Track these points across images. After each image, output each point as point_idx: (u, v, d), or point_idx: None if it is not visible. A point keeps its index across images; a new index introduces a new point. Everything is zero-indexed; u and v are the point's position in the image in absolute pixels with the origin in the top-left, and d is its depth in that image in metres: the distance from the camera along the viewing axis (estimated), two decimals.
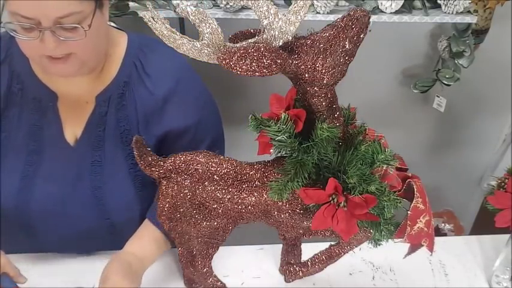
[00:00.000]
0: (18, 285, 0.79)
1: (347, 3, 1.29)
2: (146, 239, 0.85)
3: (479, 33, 1.46)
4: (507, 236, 0.93)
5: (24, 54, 0.80)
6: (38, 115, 0.86)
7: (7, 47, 0.86)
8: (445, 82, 1.47)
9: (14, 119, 0.86)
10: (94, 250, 0.98)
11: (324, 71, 0.61)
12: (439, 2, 1.31)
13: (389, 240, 0.75)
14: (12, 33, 0.73)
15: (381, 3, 1.27)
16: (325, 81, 0.62)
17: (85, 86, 0.86)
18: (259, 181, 0.73)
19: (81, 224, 0.90)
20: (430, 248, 0.77)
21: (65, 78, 0.84)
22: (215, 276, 0.89)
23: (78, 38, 0.73)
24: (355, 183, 0.66)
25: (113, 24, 1.20)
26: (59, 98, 0.87)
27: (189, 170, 0.72)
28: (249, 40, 0.61)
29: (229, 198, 0.73)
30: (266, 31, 0.60)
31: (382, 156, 0.67)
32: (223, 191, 0.73)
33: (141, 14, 0.62)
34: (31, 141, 0.86)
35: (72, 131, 0.88)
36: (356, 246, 0.86)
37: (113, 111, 0.87)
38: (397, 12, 1.28)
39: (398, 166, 0.74)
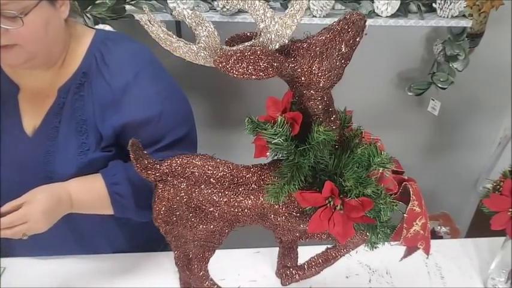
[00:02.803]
0: None
1: (343, 7, 1.30)
2: (89, 187, 0.85)
3: (474, 37, 1.47)
4: (503, 238, 0.94)
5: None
6: None
7: None
8: (440, 85, 1.48)
9: None
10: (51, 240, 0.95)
11: (320, 74, 0.61)
12: (434, 6, 1.32)
13: (386, 243, 0.75)
14: None
15: (377, 7, 1.27)
16: (321, 85, 0.62)
17: (47, 79, 0.88)
18: (255, 184, 0.73)
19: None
20: (426, 251, 0.77)
21: (28, 72, 0.86)
22: (211, 279, 0.88)
23: (17, 27, 0.74)
24: (351, 186, 0.66)
25: (108, 27, 1.20)
26: (20, 91, 0.88)
27: (186, 173, 0.72)
28: (246, 43, 0.61)
29: (226, 201, 0.73)
30: (262, 34, 0.60)
31: (378, 159, 0.67)
32: (220, 194, 0.73)
33: (137, 17, 0.62)
34: None
35: (32, 122, 0.89)
36: (352, 249, 0.86)
37: (69, 102, 0.87)
38: (392, 15, 1.29)
39: (395, 169, 0.74)
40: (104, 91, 0.87)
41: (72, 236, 0.97)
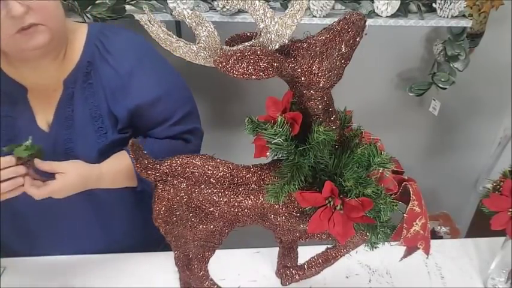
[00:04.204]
0: None
1: (343, 7, 1.30)
2: (117, 163, 0.91)
3: (474, 37, 1.47)
4: (503, 238, 0.94)
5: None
6: (9, 107, 0.90)
7: None
8: (441, 85, 1.47)
9: None
10: (76, 230, 1.01)
11: (320, 74, 0.61)
12: (434, 6, 1.32)
13: (386, 243, 0.75)
14: None
15: (377, 7, 1.27)
16: (321, 85, 0.62)
17: (51, 75, 0.90)
18: (255, 184, 0.73)
19: (66, 205, 0.93)
20: (426, 251, 0.77)
21: (32, 70, 0.89)
22: (211, 279, 0.88)
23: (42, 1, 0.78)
24: (351, 186, 0.66)
25: None
26: (28, 91, 0.91)
27: (186, 173, 0.72)
28: (246, 43, 0.61)
29: (226, 201, 0.73)
30: (262, 34, 0.60)
31: (378, 159, 0.67)
32: (220, 194, 0.73)
33: (137, 17, 0.62)
34: (7, 131, 0.90)
35: (44, 117, 0.92)
36: (352, 249, 0.86)
37: (79, 91, 0.92)
38: (392, 15, 1.29)
39: (395, 169, 0.74)
40: (112, 77, 0.92)
41: (95, 219, 1.01)
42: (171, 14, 1.23)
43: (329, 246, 0.89)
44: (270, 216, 0.75)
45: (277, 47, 0.61)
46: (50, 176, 0.82)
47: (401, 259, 0.80)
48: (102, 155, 0.92)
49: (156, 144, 0.96)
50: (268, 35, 0.60)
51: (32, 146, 0.80)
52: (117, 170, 0.91)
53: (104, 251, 1.03)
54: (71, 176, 0.83)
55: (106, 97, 0.92)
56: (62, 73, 0.91)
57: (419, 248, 0.77)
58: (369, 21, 1.27)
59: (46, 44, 0.82)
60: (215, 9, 1.26)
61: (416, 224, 0.73)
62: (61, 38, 0.87)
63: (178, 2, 1.21)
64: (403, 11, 1.29)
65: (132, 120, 0.95)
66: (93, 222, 1.01)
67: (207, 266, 0.85)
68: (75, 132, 0.92)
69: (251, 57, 0.57)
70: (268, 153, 0.69)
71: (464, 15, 1.33)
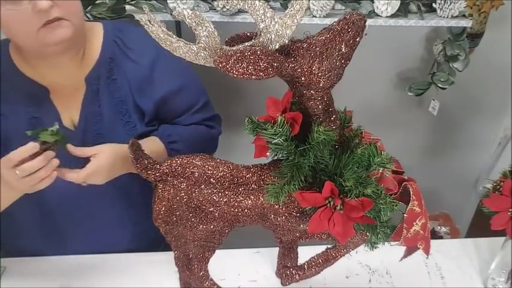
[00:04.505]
0: None
1: (343, 7, 1.30)
2: (150, 148, 0.90)
3: (474, 37, 1.47)
4: (503, 238, 0.94)
5: (8, 58, 0.88)
6: (34, 108, 0.91)
7: None
8: (440, 85, 1.47)
9: (11, 115, 0.91)
10: (107, 222, 1.03)
11: (320, 74, 0.61)
12: (434, 6, 1.32)
13: (386, 243, 0.75)
14: (8, 11, 0.76)
15: (377, 7, 1.27)
16: (321, 85, 0.62)
17: (71, 73, 0.92)
18: (255, 184, 0.73)
19: (97, 200, 0.97)
20: (426, 251, 0.77)
21: (52, 71, 0.90)
22: (211, 279, 0.88)
23: None
24: (351, 186, 0.66)
25: None
26: (50, 91, 0.92)
27: (186, 173, 0.72)
28: (246, 43, 0.61)
29: (226, 201, 0.73)
30: (262, 34, 0.60)
31: (378, 159, 0.67)
32: (220, 194, 0.73)
33: (137, 17, 0.63)
34: None
35: (68, 115, 0.94)
36: (352, 249, 0.86)
37: (104, 86, 0.94)
38: (392, 16, 1.29)
39: (395, 169, 0.74)
40: (135, 71, 0.95)
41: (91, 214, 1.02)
42: (171, 14, 1.23)
43: (329, 246, 0.89)
44: (270, 216, 0.75)
45: (277, 47, 0.61)
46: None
47: (402, 259, 0.80)
48: None
49: (184, 129, 1.02)
50: (268, 35, 0.60)
51: (57, 131, 0.80)
52: (149, 151, 0.91)
53: (133, 248, 1.04)
54: (104, 156, 0.85)
55: (132, 92, 0.95)
56: (82, 71, 0.93)
57: (419, 248, 0.77)
58: (369, 21, 1.27)
59: (69, 38, 0.82)
60: (215, 9, 1.26)
61: (416, 224, 0.73)
62: (81, 35, 0.89)
63: (178, 2, 1.21)
64: (403, 11, 1.29)
65: (158, 112, 0.98)
66: (124, 219, 1.03)
67: (207, 266, 0.85)
68: (104, 127, 0.94)
69: (251, 57, 0.57)
70: (268, 153, 0.69)
71: (464, 15, 1.33)
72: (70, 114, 0.94)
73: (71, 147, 0.83)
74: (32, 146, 0.76)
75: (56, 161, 0.79)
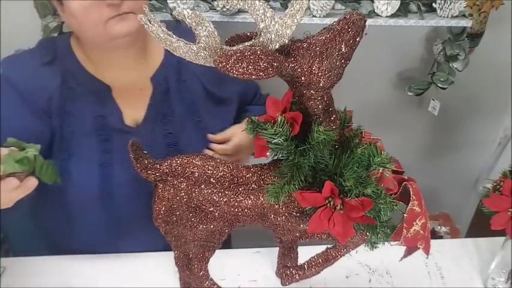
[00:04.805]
0: None
1: (343, 7, 1.30)
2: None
3: (474, 36, 1.47)
4: (503, 238, 0.94)
5: (70, 54, 0.90)
6: (99, 106, 0.93)
7: (53, 49, 0.93)
8: (440, 85, 1.47)
9: (77, 113, 0.92)
10: None
11: (320, 74, 0.61)
12: (434, 6, 1.32)
13: (386, 243, 0.75)
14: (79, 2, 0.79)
15: (377, 7, 1.27)
16: (321, 84, 0.62)
17: (134, 72, 0.94)
18: (255, 184, 0.73)
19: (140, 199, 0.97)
20: (426, 251, 0.77)
21: (115, 69, 0.92)
22: (211, 279, 0.88)
23: None
24: (351, 186, 0.66)
25: None
26: (112, 89, 0.93)
27: (186, 173, 0.72)
28: (246, 43, 0.61)
29: (226, 201, 0.73)
30: (262, 34, 0.60)
31: (378, 159, 0.67)
32: (220, 194, 0.73)
33: (137, 16, 0.62)
34: (99, 130, 0.93)
35: (131, 115, 0.95)
36: (352, 249, 0.86)
37: (174, 87, 0.97)
38: (392, 15, 1.29)
39: (395, 169, 0.74)
40: (205, 69, 0.97)
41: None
42: (171, 14, 1.23)
43: (329, 246, 0.89)
44: (270, 216, 0.75)
45: (277, 46, 0.61)
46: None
47: (401, 259, 0.80)
48: (204, 147, 0.98)
49: (259, 109, 1.08)
50: (268, 34, 0.60)
51: (35, 158, 0.64)
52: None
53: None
54: (242, 134, 0.92)
55: (206, 91, 0.99)
56: (146, 71, 0.94)
57: (419, 248, 0.77)
58: (369, 21, 1.27)
59: (135, 31, 0.84)
60: (215, 9, 1.26)
61: (416, 223, 0.73)
62: (145, 32, 0.90)
63: (178, 1, 1.21)
64: (403, 10, 1.29)
65: (241, 97, 1.07)
66: None
67: (207, 266, 0.85)
68: (175, 127, 0.97)
69: (251, 57, 0.57)
70: (268, 153, 0.69)
71: (464, 15, 1.33)
72: (133, 113, 0.95)
73: (210, 136, 0.93)
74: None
75: (31, 184, 0.67)
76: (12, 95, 0.87)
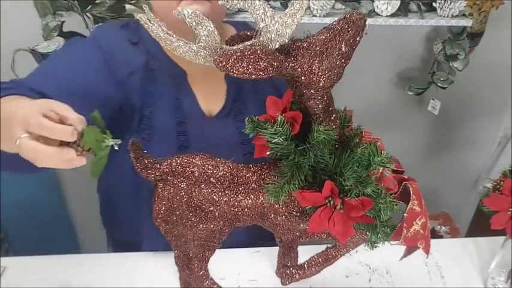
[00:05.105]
0: None
1: (343, 6, 1.30)
2: None
3: (474, 36, 1.47)
4: (503, 238, 0.94)
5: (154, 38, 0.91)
6: (176, 89, 0.95)
7: (139, 31, 0.96)
8: (440, 85, 1.47)
9: (157, 94, 0.94)
10: None
11: (320, 73, 0.61)
12: (434, 5, 1.32)
13: (386, 242, 0.75)
14: None
15: (377, 7, 1.27)
16: (321, 84, 0.62)
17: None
18: (255, 183, 0.73)
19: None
20: (426, 250, 0.77)
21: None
22: (211, 279, 0.88)
23: None
24: (351, 185, 0.66)
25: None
26: (187, 75, 0.96)
27: (186, 173, 0.72)
28: (246, 43, 0.61)
29: (226, 200, 0.73)
30: (262, 34, 0.60)
31: (378, 158, 0.67)
32: (220, 193, 0.73)
33: (137, 16, 0.62)
34: (176, 113, 0.95)
35: (206, 105, 0.98)
36: (352, 249, 0.86)
37: (248, 87, 1.00)
38: (393, 15, 1.29)
39: (395, 168, 0.74)
40: None
41: None
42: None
43: (329, 245, 0.89)
44: (270, 215, 0.75)
45: (277, 46, 0.61)
46: None
47: (401, 258, 0.80)
48: None
49: None
50: (269, 34, 0.60)
51: (108, 147, 0.59)
52: None
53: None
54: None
55: (280, 93, 1.01)
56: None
57: (419, 248, 0.77)
58: (369, 21, 1.27)
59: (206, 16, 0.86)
60: None
61: (416, 223, 0.73)
62: (218, 22, 0.91)
63: None
64: (403, 10, 1.29)
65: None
66: None
67: (207, 266, 0.85)
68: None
69: (251, 56, 0.57)
70: (268, 153, 0.69)
71: (464, 15, 1.33)
72: (208, 103, 0.97)
73: None
74: (67, 131, 0.57)
75: (71, 156, 0.58)
76: (98, 58, 0.90)
